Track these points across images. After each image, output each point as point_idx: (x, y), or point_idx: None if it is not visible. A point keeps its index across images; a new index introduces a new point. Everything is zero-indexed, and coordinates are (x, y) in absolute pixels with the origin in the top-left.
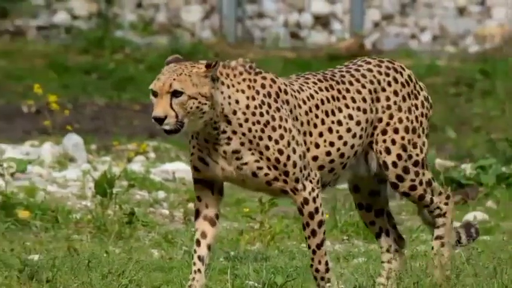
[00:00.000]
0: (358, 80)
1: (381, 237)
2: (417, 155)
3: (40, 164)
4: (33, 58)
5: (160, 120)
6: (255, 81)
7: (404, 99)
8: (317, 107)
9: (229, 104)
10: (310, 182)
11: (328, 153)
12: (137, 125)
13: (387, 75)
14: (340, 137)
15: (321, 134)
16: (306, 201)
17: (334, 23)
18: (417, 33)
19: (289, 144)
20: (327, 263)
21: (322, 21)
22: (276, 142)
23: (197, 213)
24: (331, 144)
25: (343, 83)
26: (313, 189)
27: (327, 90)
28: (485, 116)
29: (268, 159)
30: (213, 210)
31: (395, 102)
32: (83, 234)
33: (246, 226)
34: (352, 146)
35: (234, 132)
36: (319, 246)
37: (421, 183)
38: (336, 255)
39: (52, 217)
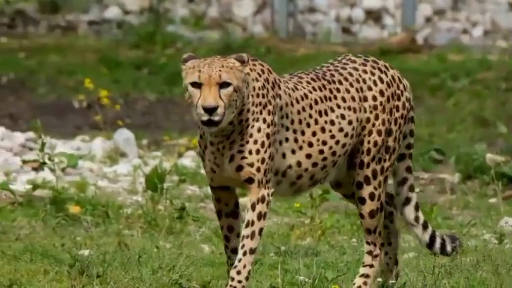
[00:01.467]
0: (346, 79)
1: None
2: (384, 160)
3: (91, 159)
4: (84, 53)
5: (211, 110)
6: (254, 65)
7: (388, 100)
8: (311, 106)
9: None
10: (269, 188)
11: (321, 152)
12: (188, 120)
13: (372, 74)
14: (332, 136)
15: (314, 133)
16: (262, 200)
17: (386, 17)
18: (469, 28)
19: (268, 138)
20: (249, 272)
21: (373, 16)
22: (259, 131)
23: (219, 214)
24: (324, 143)
25: (334, 82)
26: (270, 194)
27: (320, 90)
28: None
29: (255, 141)
30: (232, 205)
31: (381, 103)
32: (134, 229)
33: (296, 221)
34: (344, 145)
35: (240, 122)
36: (252, 251)
37: (378, 198)
38: None
39: (103, 212)
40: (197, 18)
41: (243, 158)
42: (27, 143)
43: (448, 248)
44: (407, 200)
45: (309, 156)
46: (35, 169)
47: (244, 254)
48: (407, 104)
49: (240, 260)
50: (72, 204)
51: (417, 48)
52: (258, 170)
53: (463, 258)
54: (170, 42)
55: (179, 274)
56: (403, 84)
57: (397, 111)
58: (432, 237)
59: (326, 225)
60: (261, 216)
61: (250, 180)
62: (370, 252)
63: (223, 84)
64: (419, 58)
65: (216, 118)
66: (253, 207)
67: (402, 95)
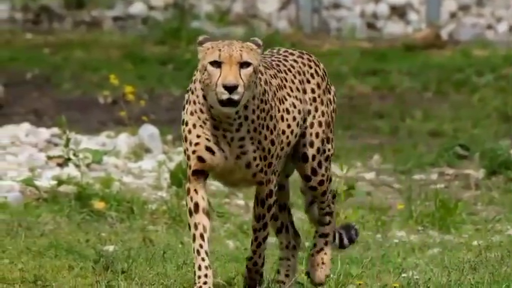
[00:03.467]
0: (290, 70)
1: (281, 233)
2: (329, 150)
3: (116, 154)
4: (109, 49)
5: (231, 89)
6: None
7: (324, 93)
8: (274, 94)
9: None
10: (275, 174)
11: (281, 142)
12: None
13: (310, 67)
14: (288, 126)
15: (276, 122)
16: (270, 194)
17: (411, 13)
18: (493, 24)
19: (278, 134)
20: (264, 258)
21: (398, 12)
22: (271, 132)
23: (196, 207)
24: (283, 132)
25: (281, 71)
26: (276, 183)
27: (275, 77)
28: None
29: (263, 149)
30: (206, 203)
31: (319, 95)
32: (158, 225)
33: None
34: (296, 135)
35: (246, 118)
36: (265, 239)
37: (327, 179)
38: (411, 246)
39: (127, 208)
40: (222, 14)
41: (257, 165)
42: (52, 138)
43: (345, 241)
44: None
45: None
46: (60, 165)
47: (258, 245)
48: (335, 98)
49: (254, 252)
50: (97, 200)
51: (442, 44)
52: (266, 173)
53: (487, 254)
54: (195, 38)
55: None
56: (328, 78)
57: (330, 103)
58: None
59: (351, 220)
60: (270, 208)
61: (259, 183)
62: (327, 214)
63: (244, 64)
64: (444, 54)
65: (236, 97)
66: (262, 203)
67: (331, 89)
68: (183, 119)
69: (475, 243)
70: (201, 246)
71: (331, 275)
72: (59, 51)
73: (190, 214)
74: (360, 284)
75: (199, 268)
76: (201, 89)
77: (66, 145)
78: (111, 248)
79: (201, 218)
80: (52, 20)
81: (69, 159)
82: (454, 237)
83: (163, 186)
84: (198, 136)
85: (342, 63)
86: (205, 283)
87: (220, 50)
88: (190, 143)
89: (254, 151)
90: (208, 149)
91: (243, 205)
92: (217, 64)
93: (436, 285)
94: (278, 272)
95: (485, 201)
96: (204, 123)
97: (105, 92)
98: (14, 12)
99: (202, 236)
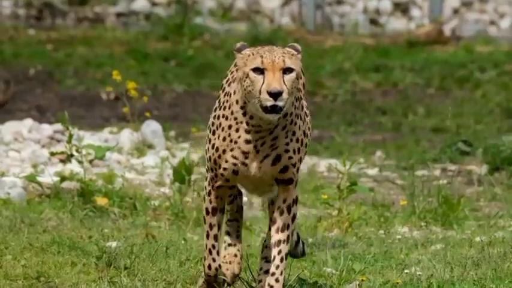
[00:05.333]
0: None
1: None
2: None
3: (119, 151)
4: (112, 45)
5: (276, 95)
6: None
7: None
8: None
9: None
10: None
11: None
12: None
13: None
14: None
15: None
16: (296, 201)
17: (414, 9)
18: (496, 20)
19: (307, 124)
20: (284, 277)
21: (401, 8)
22: (303, 122)
23: (214, 210)
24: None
25: None
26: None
27: None
28: None
29: (297, 140)
30: (224, 204)
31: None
32: (161, 221)
33: (324, 213)
34: None
35: (284, 115)
36: (287, 256)
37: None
38: (413, 241)
39: (130, 204)
40: (225, 10)
41: (289, 158)
42: (54, 135)
43: (301, 251)
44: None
45: None
46: (63, 161)
47: (281, 260)
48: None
49: (277, 267)
50: (99, 196)
51: (445, 40)
52: (298, 170)
53: (490, 250)
54: (198, 34)
55: None
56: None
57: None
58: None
59: (353, 217)
60: (294, 218)
61: (289, 181)
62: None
63: (287, 70)
64: (447, 50)
65: (281, 103)
66: (288, 209)
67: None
68: (213, 144)
69: (477, 239)
70: (213, 246)
71: (334, 271)
72: (62, 48)
73: (207, 213)
74: (362, 280)
75: (209, 267)
76: (241, 98)
77: (69, 141)
78: (113, 244)
79: (217, 220)
80: (55, 16)
81: (72, 155)
82: (456, 233)
83: (166, 182)
84: (227, 161)
85: (344, 59)
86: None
87: (262, 57)
88: (219, 167)
89: (287, 143)
90: (234, 171)
91: (245, 201)
92: (259, 71)
93: (439, 281)
94: (228, 233)
95: (488, 197)
96: (236, 143)
97: (108, 88)
98: (17, 9)
99: (215, 237)
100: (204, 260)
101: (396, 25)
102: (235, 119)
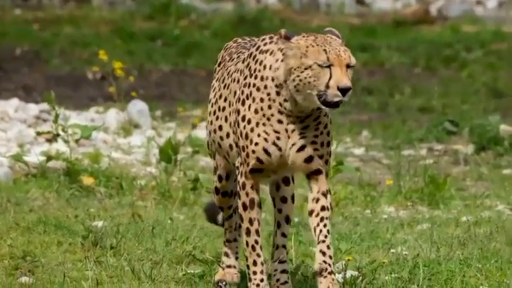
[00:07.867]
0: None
1: (232, 218)
2: None
3: (105, 130)
4: (98, 25)
5: (346, 91)
6: None
7: None
8: None
9: None
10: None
11: None
12: (202, 91)
13: None
14: None
15: None
16: (329, 190)
17: None
18: (483, 0)
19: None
20: None
21: None
22: (331, 121)
23: (252, 203)
24: None
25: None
26: None
27: None
28: None
29: (327, 133)
30: (259, 197)
31: None
32: (147, 201)
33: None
34: None
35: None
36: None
37: None
38: (400, 221)
39: (116, 184)
40: None
41: (315, 149)
42: (41, 114)
43: (219, 220)
44: None
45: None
46: (49, 141)
47: (328, 232)
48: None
49: (326, 236)
50: (85, 176)
51: (431, 20)
52: (327, 162)
53: (476, 229)
54: (184, 13)
55: (193, 246)
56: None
57: None
58: None
59: (340, 196)
60: (331, 204)
61: (317, 172)
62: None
63: (349, 66)
64: (433, 29)
65: (347, 99)
66: (325, 195)
67: None
68: (244, 115)
69: (464, 218)
70: (256, 242)
71: None
72: (48, 27)
73: (245, 209)
74: (349, 260)
75: (255, 264)
76: (283, 80)
77: (55, 121)
78: (100, 223)
79: (257, 214)
80: None
81: (58, 134)
82: (443, 212)
83: (152, 162)
84: (259, 135)
85: None
86: (262, 280)
87: (326, 51)
88: (251, 142)
89: (316, 136)
90: (266, 151)
91: None
92: (322, 65)
93: (425, 261)
94: (226, 255)
95: (474, 176)
96: (268, 119)
97: (94, 67)
98: None
99: (257, 232)
100: (247, 259)
101: (382, 5)
102: (269, 94)
